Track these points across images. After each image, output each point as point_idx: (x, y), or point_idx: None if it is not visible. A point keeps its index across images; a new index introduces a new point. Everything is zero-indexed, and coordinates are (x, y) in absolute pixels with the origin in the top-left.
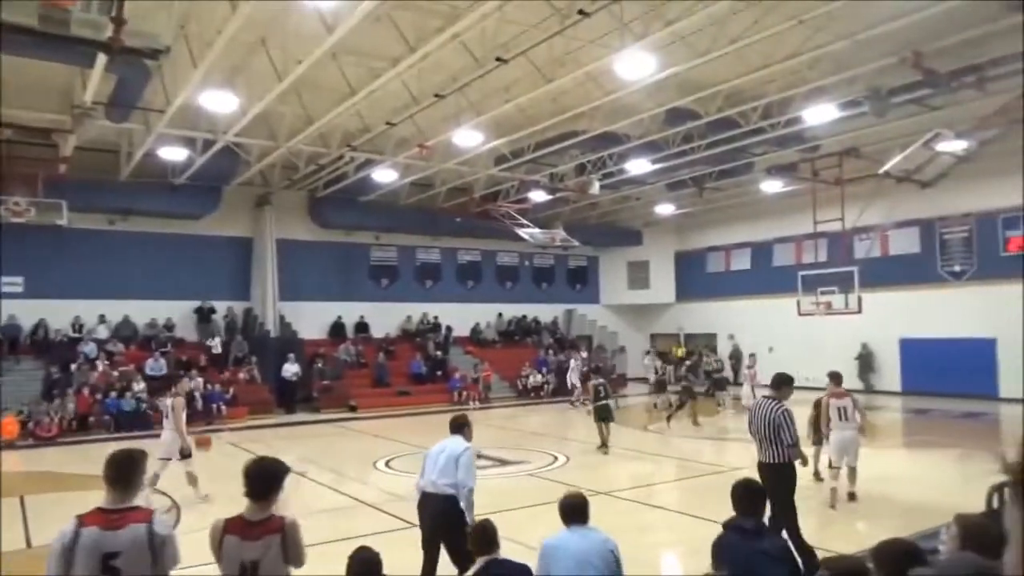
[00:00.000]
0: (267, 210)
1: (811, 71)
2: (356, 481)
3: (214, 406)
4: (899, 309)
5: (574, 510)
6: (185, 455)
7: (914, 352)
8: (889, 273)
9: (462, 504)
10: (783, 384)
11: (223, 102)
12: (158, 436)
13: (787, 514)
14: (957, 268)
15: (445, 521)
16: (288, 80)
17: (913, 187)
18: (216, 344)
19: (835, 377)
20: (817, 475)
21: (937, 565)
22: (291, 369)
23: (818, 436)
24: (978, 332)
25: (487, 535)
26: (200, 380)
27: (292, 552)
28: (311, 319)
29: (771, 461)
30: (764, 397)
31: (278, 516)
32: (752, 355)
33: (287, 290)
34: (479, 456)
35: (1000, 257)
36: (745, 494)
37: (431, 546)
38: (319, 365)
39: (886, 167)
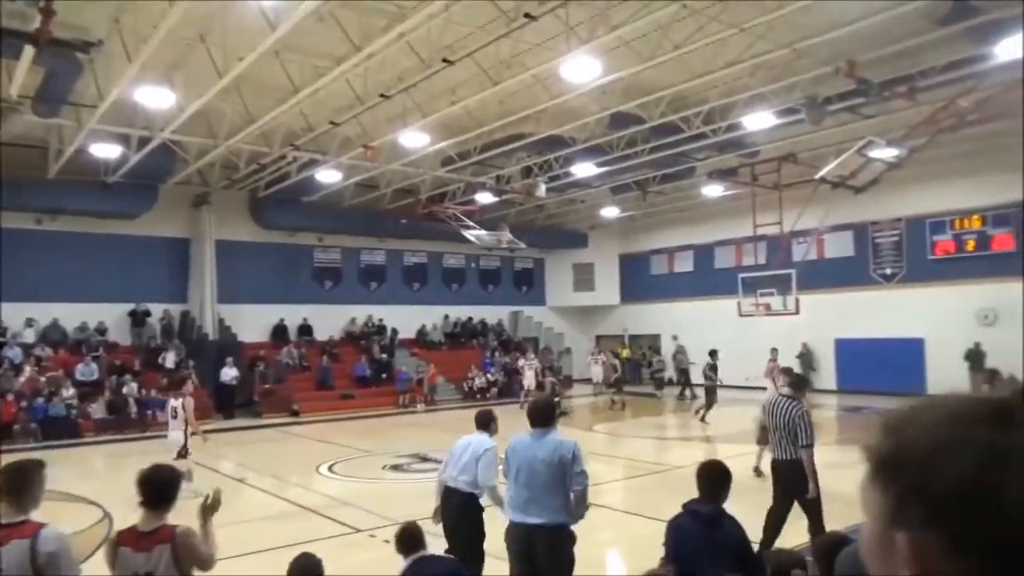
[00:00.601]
0: (205, 210)
1: (751, 78)
2: (298, 487)
3: (149, 413)
4: (834, 310)
5: (534, 413)
6: (181, 455)
7: (848, 351)
8: (825, 275)
9: (489, 500)
10: (804, 384)
11: (160, 98)
12: (87, 444)
13: (810, 511)
14: (888, 271)
15: (464, 516)
16: (228, 77)
17: (847, 192)
18: (169, 358)
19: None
20: (758, 471)
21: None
22: (230, 373)
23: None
24: (908, 332)
25: (412, 536)
26: (135, 385)
27: (187, 561)
28: (252, 322)
29: (786, 458)
30: (782, 396)
31: (169, 525)
32: (774, 349)
33: (226, 292)
34: (424, 459)
35: (928, 260)
36: (708, 476)
37: (452, 538)
38: (260, 368)
39: (822, 173)
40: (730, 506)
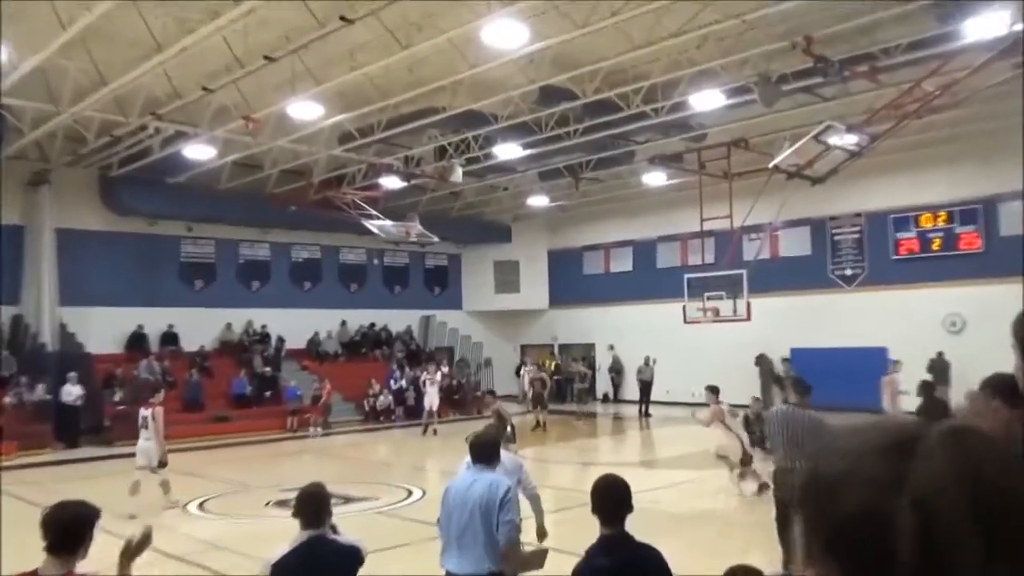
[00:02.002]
0: (44, 191)
1: (698, 51)
2: (161, 529)
3: None
4: (789, 316)
5: (476, 448)
6: (162, 464)
7: (804, 363)
8: (779, 277)
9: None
10: (810, 391)
11: None
12: None
13: None
14: (848, 271)
15: None
16: (74, 29)
17: (804, 183)
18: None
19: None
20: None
21: None
22: (73, 392)
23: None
24: (869, 341)
25: (315, 503)
26: None
27: None
28: (102, 329)
29: (795, 467)
30: (790, 404)
31: (78, 573)
32: (896, 362)
33: (70, 293)
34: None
35: (891, 260)
36: (608, 493)
37: None
38: (113, 386)
39: (775, 161)
40: (665, 542)
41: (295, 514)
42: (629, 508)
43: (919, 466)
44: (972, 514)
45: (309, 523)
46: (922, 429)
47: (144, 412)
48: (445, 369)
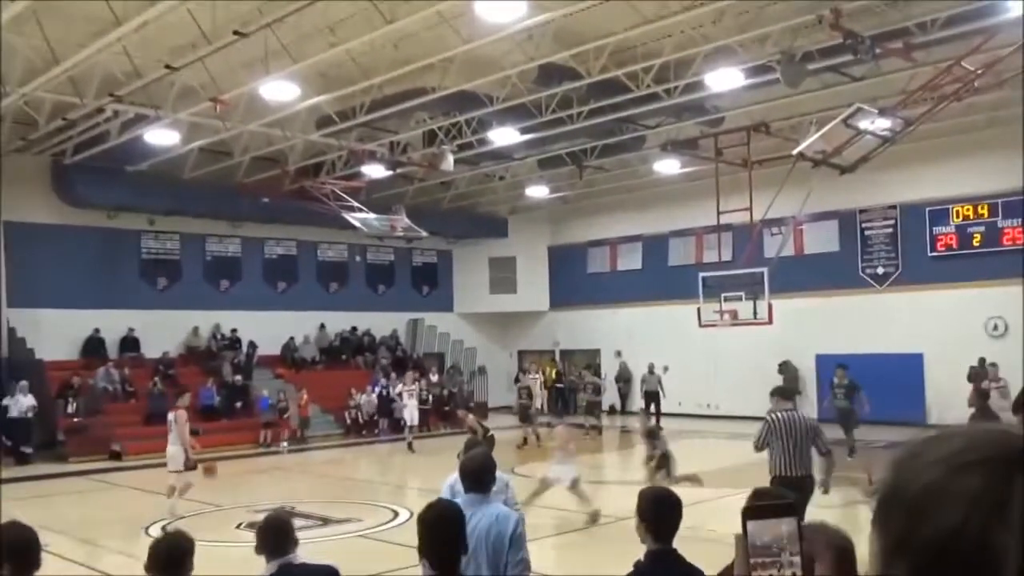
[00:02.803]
0: None
1: (715, 27)
2: (120, 554)
3: None
4: (815, 319)
5: (467, 475)
6: (189, 467)
7: (832, 371)
8: (804, 275)
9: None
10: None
11: None
12: None
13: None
14: (880, 270)
15: None
16: (24, 1)
17: (831, 173)
18: None
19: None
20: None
21: None
22: (24, 403)
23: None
24: (904, 347)
25: (279, 533)
26: None
27: None
28: (55, 333)
29: (801, 474)
30: (786, 410)
31: None
32: (992, 364)
33: (20, 293)
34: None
35: (927, 258)
36: (659, 505)
37: None
38: (67, 397)
39: (800, 148)
40: None
41: (257, 550)
42: (679, 524)
43: None
44: None
45: (274, 554)
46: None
47: (169, 415)
48: (435, 378)
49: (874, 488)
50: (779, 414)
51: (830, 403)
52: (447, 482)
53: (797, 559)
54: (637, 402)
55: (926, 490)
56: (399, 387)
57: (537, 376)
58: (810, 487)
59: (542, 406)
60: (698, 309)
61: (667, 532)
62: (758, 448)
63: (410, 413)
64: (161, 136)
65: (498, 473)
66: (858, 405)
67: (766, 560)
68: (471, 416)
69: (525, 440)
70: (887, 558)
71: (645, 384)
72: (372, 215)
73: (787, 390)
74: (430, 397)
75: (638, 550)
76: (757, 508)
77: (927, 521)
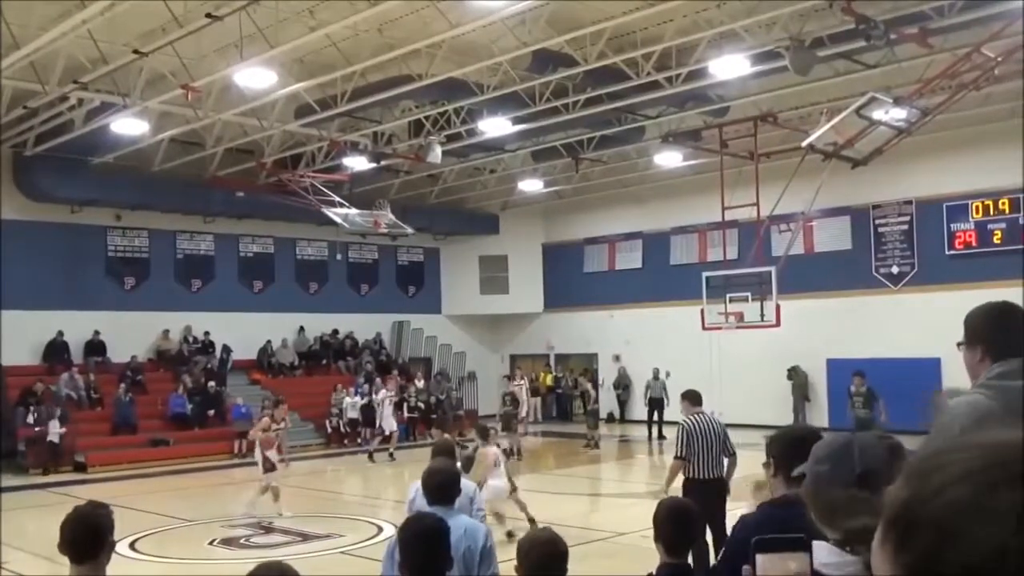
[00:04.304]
0: None
1: (719, 10)
2: None
3: None
4: (825, 321)
5: (431, 486)
6: (267, 469)
7: (845, 377)
8: (813, 275)
9: None
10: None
11: None
12: None
13: (718, 528)
14: (895, 269)
15: None
16: None
17: (843, 166)
18: None
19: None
20: None
21: None
22: None
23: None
24: (920, 351)
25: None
26: None
27: None
28: (15, 336)
29: (717, 476)
30: (698, 413)
31: None
32: None
33: None
34: (267, 529)
35: (944, 256)
36: (678, 518)
37: None
38: (28, 404)
39: (810, 139)
40: None
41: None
42: (694, 538)
43: None
44: None
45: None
46: None
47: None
48: (421, 384)
49: (887, 498)
50: (694, 418)
51: (850, 412)
52: (409, 496)
53: None
54: (638, 409)
55: (954, 507)
56: (380, 393)
57: (522, 382)
58: (725, 489)
59: (528, 414)
60: (701, 311)
61: (682, 546)
62: (682, 456)
63: (388, 422)
64: (129, 126)
65: (464, 481)
66: (877, 414)
67: None
68: (446, 435)
69: (508, 452)
70: None
71: (650, 391)
72: (354, 210)
73: (697, 394)
74: (419, 404)
75: (636, 567)
76: (768, 541)
77: (963, 540)
